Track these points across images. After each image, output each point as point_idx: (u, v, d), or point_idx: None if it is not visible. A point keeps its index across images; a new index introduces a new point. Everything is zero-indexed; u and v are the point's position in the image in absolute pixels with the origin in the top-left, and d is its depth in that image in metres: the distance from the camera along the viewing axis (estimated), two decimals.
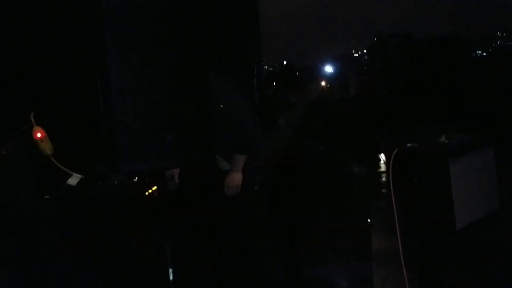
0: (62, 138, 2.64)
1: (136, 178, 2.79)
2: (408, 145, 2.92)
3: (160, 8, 2.05)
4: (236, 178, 2.92)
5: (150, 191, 2.78)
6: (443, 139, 2.94)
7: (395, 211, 2.86)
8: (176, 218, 2.98)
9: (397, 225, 2.85)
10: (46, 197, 2.64)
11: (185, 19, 2.10)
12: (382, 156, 6.61)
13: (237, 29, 4.25)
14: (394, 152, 2.85)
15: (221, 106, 2.88)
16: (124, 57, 2.00)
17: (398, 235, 2.85)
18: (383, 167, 6.58)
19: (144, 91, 2.04)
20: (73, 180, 2.64)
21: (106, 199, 2.69)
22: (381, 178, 6.24)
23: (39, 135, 2.56)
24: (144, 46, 2.02)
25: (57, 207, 2.63)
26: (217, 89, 2.84)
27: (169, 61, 2.08)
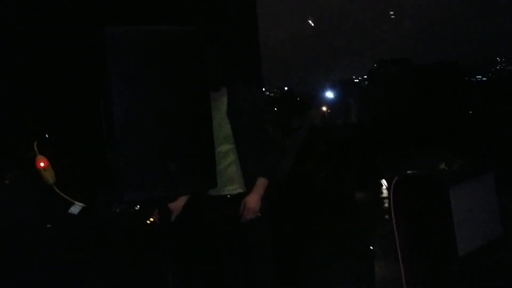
0: (64, 167, 2.66)
1: (138, 206, 2.78)
2: (408, 172, 2.93)
3: (162, 40, 2.09)
4: (257, 204, 2.76)
5: (152, 219, 2.78)
6: (443, 166, 2.96)
7: (396, 239, 2.85)
8: (178, 246, 2.96)
9: (399, 252, 2.84)
10: (48, 225, 2.64)
11: (186, 50, 2.14)
12: (384, 182, 6.60)
13: (238, 55, 4.32)
14: (395, 179, 2.86)
15: (270, 129, 2.84)
16: (128, 87, 2.02)
17: (400, 262, 2.85)
18: (385, 193, 6.56)
19: (147, 120, 2.06)
20: (75, 208, 2.65)
21: (108, 228, 2.69)
22: (384, 204, 6.21)
23: (42, 164, 2.58)
24: (147, 76, 2.05)
25: (59, 236, 2.63)
26: (259, 108, 2.83)
27: (172, 90, 2.11)
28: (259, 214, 2.82)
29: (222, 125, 2.79)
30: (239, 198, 2.81)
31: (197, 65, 2.16)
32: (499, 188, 3.10)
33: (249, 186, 2.81)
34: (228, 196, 2.84)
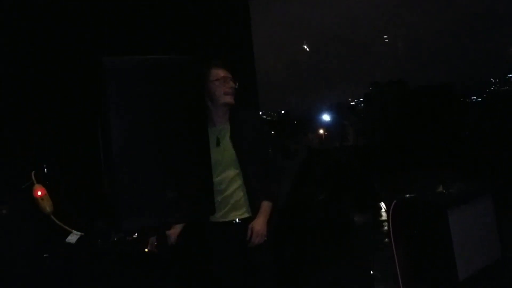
0: (62, 196, 2.65)
1: (136, 234, 2.77)
2: (407, 196, 2.93)
3: (159, 68, 2.11)
4: (264, 227, 2.73)
5: (149, 247, 2.75)
6: (440, 188, 2.96)
7: (396, 262, 2.84)
8: (179, 273, 2.93)
9: (399, 276, 2.82)
10: (46, 255, 2.62)
11: (183, 78, 2.16)
12: (383, 205, 6.58)
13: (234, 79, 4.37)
14: (393, 203, 2.87)
15: (270, 153, 2.84)
16: (125, 115, 2.03)
17: (401, 286, 2.82)
18: (384, 216, 6.54)
19: (144, 148, 2.07)
20: (73, 237, 2.63)
21: (106, 256, 2.67)
22: (383, 227, 6.19)
23: (39, 193, 2.57)
24: (145, 104, 2.07)
25: (56, 265, 2.61)
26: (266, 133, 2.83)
27: (169, 118, 2.12)
28: (266, 238, 2.81)
29: (226, 150, 2.80)
30: (245, 223, 2.81)
31: (194, 93, 2.18)
32: (498, 210, 3.10)
33: (255, 210, 2.81)
34: (234, 222, 2.82)
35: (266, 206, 2.79)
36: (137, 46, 3.40)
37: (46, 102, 3.04)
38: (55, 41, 3.14)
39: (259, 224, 2.75)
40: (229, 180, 2.79)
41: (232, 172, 2.80)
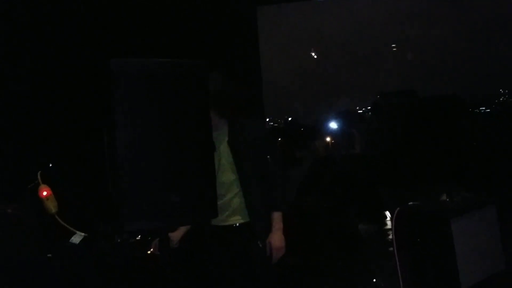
0: (67, 197, 2.67)
1: (139, 236, 2.78)
2: (410, 203, 2.92)
3: (166, 72, 2.13)
4: (282, 239, 2.75)
5: (152, 249, 2.77)
6: (444, 197, 2.95)
7: (399, 271, 2.82)
8: (179, 276, 2.94)
9: (401, 285, 2.81)
10: (49, 255, 2.64)
11: (190, 82, 2.18)
12: (388, 214, 6.55)
13: (240, 86, 4.38)
14: (396, 210, 2.86)
15: (275, 160, 2.84)
16: (131, 118, 2.05)
17: None
18: (389, 225, 6.51)
19: (149, 151, 2.08)
20: (76, 238, 2.64)
21: (109, 258, 2.68)
22: (388, 236, 6.16)
23: (44, 193, 2.59)
24: (151, 108, 2.08)
25: (60, 266, 2.62)
26: (266, 139, 2.84)
27: (175, 122, 2.14)
28: (260, 244, 2.81)
29: (223, 156, 2.81)
30: (245, 227, 2.82)
31: (201, 97, 2.20)
32: (501, 221, 3.08)
33: (253, 216, 2.81)
34: (234, 225, 2.84)
35: (277, 218, 2.79)
36: (145, 49, 3.43)
37: (53, 103, 3.07)
38: (63, 43, 3.18)
39: (277, 240, 2.75)
40: (227, 187, 2.79)
41: (229, 178, 2.80)
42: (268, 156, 2.87)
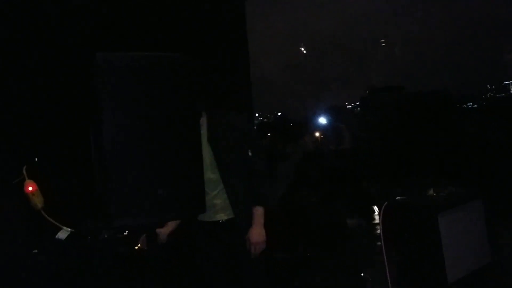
0: (53, 192, 2.64)
1: (126, 232, 2.76)
2: (398, 198, 2.94)
3: (152, 65, 2.11)
4: (262, 234, 2.73)
5: (140, 245, 2.75)
6: (431, 192, 2.97)
7: (386, 265, 2.84)
8: (166, 272, 2.93)
9: (388, 278, 2.83)
10: (35, 251, 2.61)
11: (176, 76, 2.16)
12: (376, 208, 6.60)
13: (228, 80, 4.37)
14: (384, 205, 2.87)
15: (249, 152, 2.80)
16: (118, 112, 2.03)
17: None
18: (377, 219, 6.55)
19: (136, 146, 2.07)
20: (63, 234, 2.62)
21: (96, 254, 2.66)
22: (376, 230, 6.20)
23: (30, 188, 2.56)
24: (137, 102, 2.06)
25: (45, 262, 2.60)
26: (249, 133, 2.81)
27: (162, 116, 2.12)
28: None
29: (204, 152, 2.79)
30: (231, 223, 2.81)
31: (187, 91, 2.18)
32: (488, 215, 3.11)
33: (238, 212, 2.80)
34: (220, 221, 2.82)
35: (259, 213, 2.77)
36: (131, 43, 3.40)
37: (38, 98, 3.03)
38: (48, 36, 3.14)
39: (256, 234, 2.74)
40: (210, 183, 2.76)
41: (212, 175, 2.77)
42: (250, 150, 2.85)
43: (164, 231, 2.77)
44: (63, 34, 3.22)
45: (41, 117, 3.02)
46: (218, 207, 2.79)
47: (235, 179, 2.78)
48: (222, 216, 2.82)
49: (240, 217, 2.78)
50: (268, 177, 2.90)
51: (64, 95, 3.04)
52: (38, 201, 2.57)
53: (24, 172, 2.58)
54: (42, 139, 3.00)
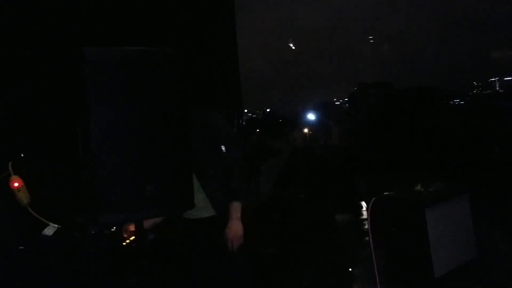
0: (39, 188, 2.62)
1: (114, 228, 2.75)
2: (385, 193, 2.96)
3: (140, 60, 2.10)
4: (239, 228, 2.73)
5: (128, 241, 2.74)
6: (419, 187, 3.00)
7: (374, 260, 2.86)
8: (154, 269, 2.92)
9: (376, 273, 2.85)
10: (21, 247, 2.59)
11: (164, 71, 2.15)
12: (364, 204, 6.64)
13: (217, 77, 4.36)
14: (372, 200, 2.89)
15: (222, 148, 2.80)
16: (105, 108, 2.01)
17: (378, 283, 2.85)
18: (365, 215, 6.59)
19: (124, 141, 2.05)
20: (49, 230, 2.60)
21: (83, 250, 2.64)
22: (364, 225, 6.24)
23: (16, 184, 2.54)
24: (125, 97, 2.05)
25: (32, 258, 2.58)
26: (221, 129, 2.80)
27: (150, 112, 2.11)
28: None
29: None
30: (212, 221, 2.83)
31: (175, 86, 2.17)
32: (474, 210, 3.15)
33: (218, 209, 2.81)
34: (202, 219, 2.84)
35: (234, 207, 2.78)
36: (119, 37, 3.37)
37: (25, 93, 3.00)
38: (34, 30, 3.10)
39: (233, 229, 2.75)
40: None
41: None
42: (223, 146, 2.83)
43: (146, 225, 2.77)
44: (50, 28, 3.19)
45: (28, 113, 2.99)
46: (200, 205, 2.79)
47: (210, 177, 2.79)
48: (204, 214, 2.83)
49: (220, 213, 2.79)
50: (248, 172, 2.90)
51: (51, 90, 3.01)
52: (24, 197, 2.55)
53: (10, 168, 2.56)
54: (28, 135, 2.97)
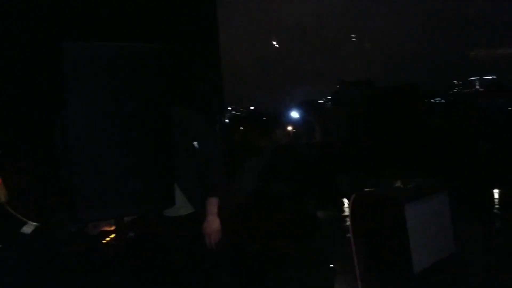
0: (17, 185, 2.58)
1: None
2: (366, 190, 2.99)
3: (121, 56, 2.08)
4: (216, 223, 2.75)
5: (108, 238, 2.72)
6: (399, 184, 3.03)
7: (354, 255, 2.89)
8: (135, 266, 2.90)
9: (357, 269, 2.87)
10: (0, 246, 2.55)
11: (145, 67, 2.13)
12: (346, 201, 6.69)
13: (198, 75, 4.34)
14: (353, 197, 2.92)
15: (194, 143, 2.79)
16: (85, 103, 1.99)
17: (358, 279, 2.88)
18: (347, 211, 6.64)
19: (104, 138, 2.03)
20: (28, 228, 2.56)
21: (63, 248, 2.62)
22: (346, 222, 6.29)
23: None
24: (105, 93, 2.03)
25: (10, 257, 2.54)
26: (191, 126, 2.80)
27: (131, 108, 2.09)
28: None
29: None
30: (191, 218, 2.83)
31: (156, 82, 2.16)
32: (453, 206, 3.20)
33: (196, 205, 2.82)
34: (181, 216, 2.83)
35: (210, 203, 2.79)
36: (100, 33, 3.33)
37: (4, 89, 2.95)
38: (13, 25, 3.05)
39: (209, 225, 2.77)
40: None
41: None
42: (195, 143, 2.83)
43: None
44: (29, 23, 3.14)
45: (6, 109, 2.94)
46: (179, 203, 2.79)
47: (184, 175, 2.78)
48: (183, 211, 2.83)
49: (198, 210, 2.80)
50: (223, 167, 2.89)
51: (30, 85, 2.96)
52: (1, 194, 2.50)
53: None
54: (6, 131, 2.92)
